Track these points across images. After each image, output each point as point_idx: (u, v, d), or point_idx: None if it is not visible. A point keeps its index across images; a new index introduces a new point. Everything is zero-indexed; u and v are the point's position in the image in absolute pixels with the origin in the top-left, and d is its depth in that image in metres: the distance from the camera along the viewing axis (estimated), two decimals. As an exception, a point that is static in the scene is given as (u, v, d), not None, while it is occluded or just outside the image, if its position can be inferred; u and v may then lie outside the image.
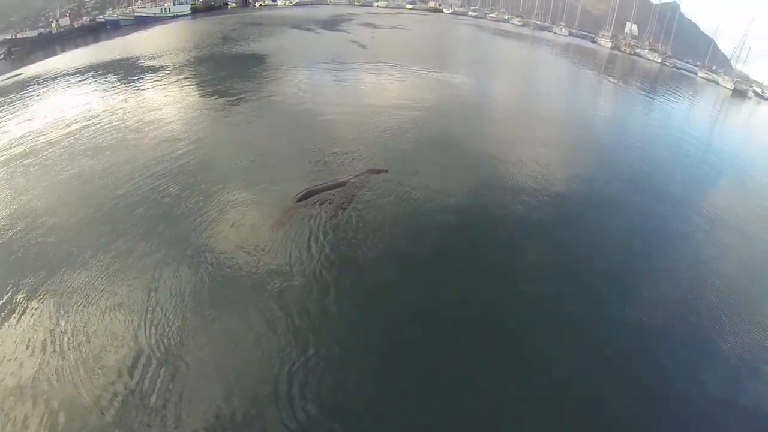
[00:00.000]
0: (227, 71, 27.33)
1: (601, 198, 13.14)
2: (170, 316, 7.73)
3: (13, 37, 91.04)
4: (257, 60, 29.92)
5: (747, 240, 13.69)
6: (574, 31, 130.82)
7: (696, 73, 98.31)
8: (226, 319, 7.76)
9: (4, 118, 22.22)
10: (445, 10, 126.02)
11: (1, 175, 14.21)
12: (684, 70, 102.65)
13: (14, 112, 23.20)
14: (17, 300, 8.23)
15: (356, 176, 10.93)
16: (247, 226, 9.71)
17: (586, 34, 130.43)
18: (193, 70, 27.68)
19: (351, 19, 65.22)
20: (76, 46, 64.73)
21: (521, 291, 8.64)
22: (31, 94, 28.66)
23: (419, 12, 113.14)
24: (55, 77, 33.81)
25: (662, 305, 9.08)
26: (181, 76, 25.54)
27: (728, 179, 19.87)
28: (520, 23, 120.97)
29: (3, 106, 26.06)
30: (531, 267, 9.15)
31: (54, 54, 58.46)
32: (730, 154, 25.20)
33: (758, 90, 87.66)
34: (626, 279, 9.68)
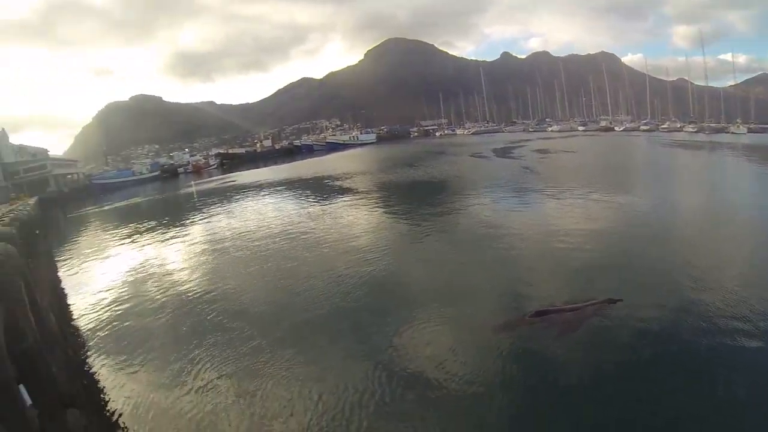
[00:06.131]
0: (412, 194, 28.41)
1: None
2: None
3: (225, 151, 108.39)
4: (439, 185, 30.76)
5: None
6: (753, 126, 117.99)
7: None
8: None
9: (215, 212, 26.36)
10: (616, 128, 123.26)
11: (206, 259, 16.12)
12: None
13: (224, 209, 27.48)
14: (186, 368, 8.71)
15: (590, 304, 10.10)
16: (463, 338, 8.98)
17: (766, 127, 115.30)
18: (379, 192, 29.33)
19: (524, 146, 65.39)
20: (276, 163, 74.35)
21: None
22: (237, 196, 33.85)
23: (591, 132, 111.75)
24: (258, 186, 39.05)
25: None
26: (367, 196, 27.15)
27: None
28: (694, 129, 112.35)
29: (215, 203, 31.35)
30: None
31: (257, 167, 66.93)
32: None
33: None
34: None
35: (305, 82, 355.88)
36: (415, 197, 27.43)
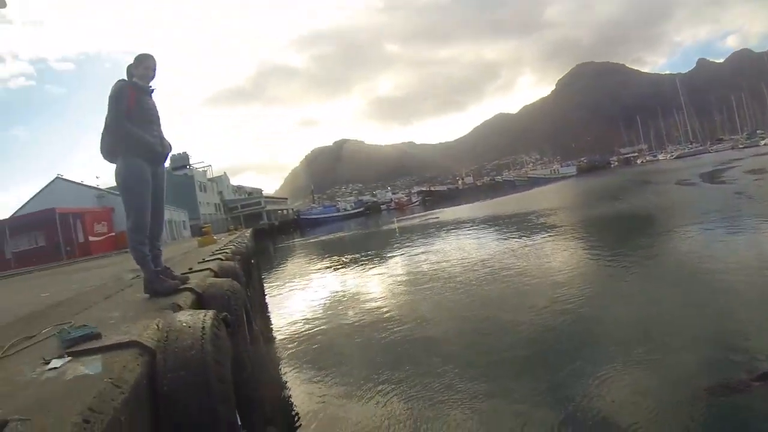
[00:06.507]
0: (617, 229, 27.21)
1: None
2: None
3: (428, 189, 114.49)
4: (646, 218, 28.67)
5: None
6: None
7: None
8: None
9: (416, 248, 28.44)
10: None
11: (403, 292, 16.82)
12: None
13: (426, 244, 29.61)
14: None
15: None
16: (668, 397, 7.73)
17: None
18: (582, 227, 28.55)
19: (734, 166, 56.34)
20: (478, 200, 76.58)
21: None
22: (439, 232, 36.42)
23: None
24: (460, 222, 42.00)
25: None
26: (571, 232, 26.55)
27: None
28: None
29: (416, 239, 34.25)
30: None
31: (459, 204, 69.05)
32: None
33: None
34: None
35: (500, 117, 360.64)
36: (620, 232, 26.56)
